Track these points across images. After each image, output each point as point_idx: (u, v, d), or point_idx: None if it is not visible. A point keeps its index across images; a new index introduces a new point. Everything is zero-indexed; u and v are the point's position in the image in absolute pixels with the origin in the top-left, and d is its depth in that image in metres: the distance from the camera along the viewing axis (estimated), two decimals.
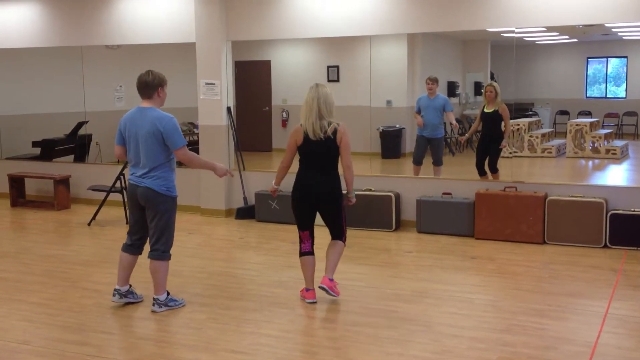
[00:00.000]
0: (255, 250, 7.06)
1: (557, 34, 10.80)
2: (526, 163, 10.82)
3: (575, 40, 12.11)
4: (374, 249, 6.78)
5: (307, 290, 5.09)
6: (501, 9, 7.03)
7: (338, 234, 5.09)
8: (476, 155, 8.56)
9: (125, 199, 4.82)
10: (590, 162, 11.31)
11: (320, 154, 4.92)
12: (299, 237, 5.11)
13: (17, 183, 9.34)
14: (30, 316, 4.86)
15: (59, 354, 4.19)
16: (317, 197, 4.98)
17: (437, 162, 8.69)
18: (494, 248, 6.71)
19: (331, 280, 5.03)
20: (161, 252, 4.88)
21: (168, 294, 5.01)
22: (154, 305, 4.93)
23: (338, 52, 11.74)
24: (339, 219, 5.05)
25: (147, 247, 5.00)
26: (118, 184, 8.16)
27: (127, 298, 5.08)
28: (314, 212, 5.06)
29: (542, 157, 11.13)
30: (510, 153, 9.00)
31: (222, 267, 6.25)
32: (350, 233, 7.31)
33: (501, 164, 8.33)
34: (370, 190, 7.62)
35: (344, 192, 5.07)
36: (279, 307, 4.99)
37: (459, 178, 7.79)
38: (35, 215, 8.73)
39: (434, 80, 8.73)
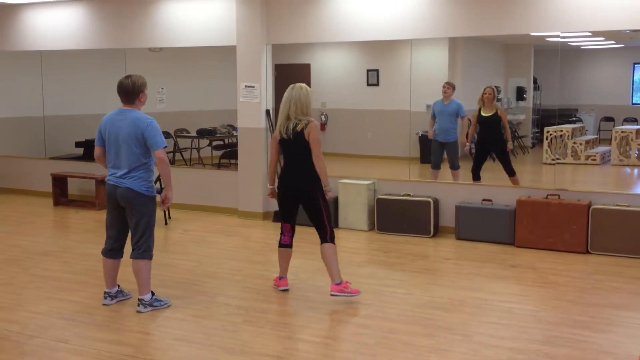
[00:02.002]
0: (292, 253, 7.01)
1: (603, 38, 10.56)
2: (569, 170, 10.59)
3: (622, 45, 11.83)
4: (411, 255, 6.70)
5: (280, 278, 5.47)
6: (546, 12, 6.89)
7: (322, 233, 5.17)
8: (474, 159, 8.52)
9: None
10: (635, 170, 11.01)
11: (293, 151, 5.15)
12: (281, 228, 5.41)
13: (60, 182, 9.51)
14: (69, 315, 4.93)
15: (96, 353, 4.23)
16: (295, 192, 5.22)
17: (454, 167, 8.80)
18: (535, 257, 6.58)
19: (338, 284, 5.09)
20: (142, 252, 4.92)
21: (153, 294, 5.05)
22: (139, 305, 4.98)
23: (378, 56, 11.68)
24: (319, 214, 5.16)
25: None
26: (157, 185, 8.24)
27: (118, 298, 5.16)
28: (296, 206, 5.30)
29: (586, 164, 10.88)
30: (553, 160, 8.82)
31: (258, 269, 6.25)
32: (388, 238, 7.35)
33: (544, 170, 8.19)
34: (408, 195, 7.55)
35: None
36: (314, 312, 4.96)
37: (499, 184, 7.66)
38: (77, 214, 8.88)
39: (450, 85, 8.82)
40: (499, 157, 8.37)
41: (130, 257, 4.96)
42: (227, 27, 8.44)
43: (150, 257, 4.97)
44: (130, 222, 4.92)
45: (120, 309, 5.02)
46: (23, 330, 4.61)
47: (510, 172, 8.13)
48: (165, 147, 4.88)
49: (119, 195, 4.87)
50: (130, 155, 4.83)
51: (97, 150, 5.02)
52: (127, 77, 4.91)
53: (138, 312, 4.95)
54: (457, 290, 5.52)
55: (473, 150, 8.60)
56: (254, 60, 8.25)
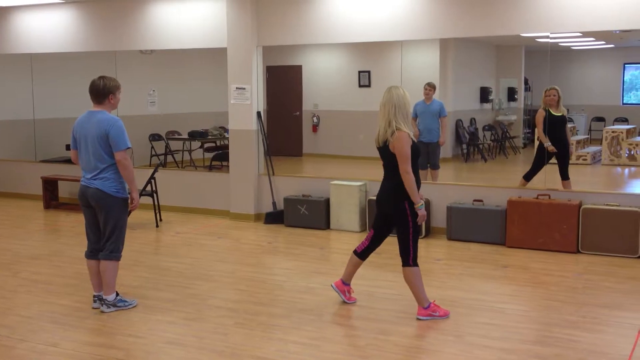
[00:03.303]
0: (284, 255, 7.04)
1: (593, 39, 10.61)
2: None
3: (612, 45, 11.89)
4: None
5: (343, 282, 5.21)
6: (536, 13, 6.91)
7: (404, 255, 4.82)
8: (538, 161, 7.93)
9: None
10: (626, 170, 11.06)
11: (383, 163, 4.86)
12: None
13: (50, 185, 9.48)
14: (60, 318, 4.90)
15: (86, 357, 4.21)
16: (382, 208, 4.93)
17: (435, 166, 8.90)
18: (526, 257, 6.59)
19: (426, 307, 4.86)
20: (109, 252, 4.94)
21: (117, 294, 5.05)
22: (102, 305, 5.00)
23: (369, 57, 11.70)
24: (403, 235, 4.78)
25: None
26: (149, 187, 8.23)
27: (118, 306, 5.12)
28: (385, 220, 4.96)
29: (577, 164, 10.92)
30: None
31: (250, 272, 6.24)
32: None
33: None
34: None
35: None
36: (306, 314, 4.95)
37: (490, 185, 7.67)
38: (68, 217, 8.84)
39: (431, 86, 8.89)
40: (560, 159, 7.88)
41: (98, 257, 4.99)
42: (218, 29, 8.42)
43: (117, 259, 4.99)
44: (100, 223, 4.96)
45: (111, 313, 4.99)
46: (12, 334, 4.59)
47: (566, 176, 7.78)
48: (129, 148, 4.88)
49: (89, 196, 4.91)
50: (97, 157, 4.86)
51: (72, 153, 5.08)
52: (101, 77, 4.94)
53: (102, 312, 4.98)
54: (448, 290, 5.52)
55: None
56: (245, 62, 8.24)
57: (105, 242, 4.95)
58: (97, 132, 4.83)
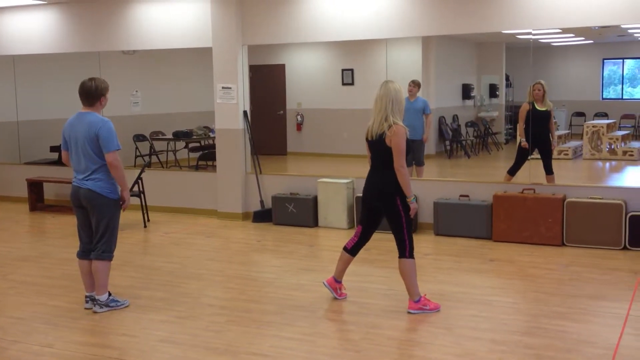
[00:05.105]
0: (273, 253, 7.08)
1: (573, 35, 10.75)
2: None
3: (591, 41, 12.05)
4: (392, 252, 6.67)
5: (335, 280, 5.24)
6: (517, 10, 7.01)
7: (401, 247, 4.88)
8: (520, 155, 8.03)
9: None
10: (607, 164, 11.23)
11: (373, 156, 4.91)
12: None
13: (35, 187, 9.43)
14: (52, 319, 4.90)
15: (81, 357, 4.22)
16: (370, 202, 4.95)
17: (419, 163, 8.97)
18: (513, 250, 6.69)
19: (417, 301, 4.92)
20: (101, 252, 4.97)
21: (110, 294, 5.08)
22: (94, 305, 5.03)
23: (352, 56, 11.76)
24: (398, 227, 4.83)
25: None
26: (136, 188, 8.22)
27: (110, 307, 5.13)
28: (372, 213, 4.98)
29: (559, 159, 11.07)
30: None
31: (240, 270, 6.27)
32: None
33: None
34: None
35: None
36: (298, 310, 5.00)
37: (476, 180, 7.76)
38: (54, 219, 8.80)
39: (416, 84, 8.95)
40: (543, 154, 8.00)
41: (90, 257, 5.01)
42: (202, 29, 8.43)
43: (109, 259, 5.01)
44: (92, 223, 4.98)
45: (103, 313, 5.00)
46: (5, 336, 4.58)
47: (549, 171, 7.88)
48: (119, 149, 4.90)
49: (81, 196, 4.93)
50: (88, 158, 4.88)
51: (63, 154, 5.10)
52: (91, 79, 4.95)
53: (94, 312, 5.00)
54: (437, 284, 5.60)
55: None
56: (230, 62, 8.26)
57: (97, 242, 4.97)
58: (87, 134, 4.85)
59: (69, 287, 5.68)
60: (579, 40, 11.90)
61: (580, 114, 12.76)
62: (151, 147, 10.94)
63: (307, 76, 12.64)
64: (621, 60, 12.92)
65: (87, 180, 4.90)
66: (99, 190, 4.88)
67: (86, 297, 5.14)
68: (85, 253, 5.07)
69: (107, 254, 4.98)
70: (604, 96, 13.06)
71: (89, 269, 5.06)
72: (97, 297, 5.02)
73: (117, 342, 4.48)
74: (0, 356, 4.27)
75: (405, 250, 4.83)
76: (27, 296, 5.49)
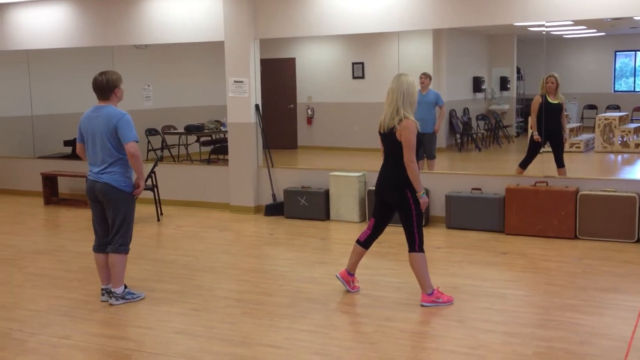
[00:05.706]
0: (286, 246, 7.12)
1: (585, 27, 10.71)
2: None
3: (603, 33, 11.99)
4: (403, 245, 6.66)
5: (348, 273, 5.26)
6: (530, 3, 6.99)
7: (410, 241, 4.91)
8: (532, 148, 8.03)
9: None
10: (619, 157, 11.19)
11: (385, 149, 4.94)
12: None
13: (50, 182, 9.50)
14: (69, 312, 4.96)
15: (99, 349, 4.28)
16: (382, 196, 4.99)
17: (431, 156, 8.92)
18: (525, 243, 6.70)
19: (430, 294, 4.94)
20: (118, 246, 5.01)
21: (126, 287, 5.13)
22: (111, 298, 5.08)
23: (363, 49, 11.76)
24: (408, 221, 4.86)
25: None
26: (149, 182, 8.27)
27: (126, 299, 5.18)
28: (385, 207, 5.02)
29: (571, 152, 11.04)
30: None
31: (253, 263, 6.32)
32: None
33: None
34: None
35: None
36: (312, 303, 5.03)
37: (488, 174, 7.76)
38: (68, 213, 8.88)
39: (427, 76, 8.92)
40: (554, 146, 7.98)
41: (107, 251, 5.06)
42: (215, 23, 8.46)
43: (125, 252, 5.07)
44: (108, 217, 5.02)
45: (119, 305, 5.06)
46: (23, 328, 4.65)
47: (561, 164, 7.85)
48: (137, 141, 4.93)
49: (97, 190, 4.96)
50: (106, 151, 4.91)
51: (78, 147, 5.14)
52: (102, 73, 4.98)
53: (110, 304, 5.06)
54: (449, 277, 5.62)
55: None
56: (242, 55, 8.29)
57: (113, 235, 5.02)
58: (105, 127, 4.88)
59: (85, 279, 5.74)
60: (591, 33, 11.84)
61: (592, 107, 12.71)
62: (163, 141, 11.00)
63: (318, 70, 12.65)
64: (633, 52, 12.86)
65: (102, 173, 4.94)
66: (115, 183, 4.93)
67: (102, 290, 5.20)
68: (101, 247, 5.13)
69: (123, 247, 5.04)
70: (616, 89, 13.00)
71: (105, 262, 5.12)
72: (113, 290, 5.08)
73: (134, 334, 4.53)
74: (19, 348, 4.33)
75: (415, 244, 4.86)
76: (44, 289, 5.56)
